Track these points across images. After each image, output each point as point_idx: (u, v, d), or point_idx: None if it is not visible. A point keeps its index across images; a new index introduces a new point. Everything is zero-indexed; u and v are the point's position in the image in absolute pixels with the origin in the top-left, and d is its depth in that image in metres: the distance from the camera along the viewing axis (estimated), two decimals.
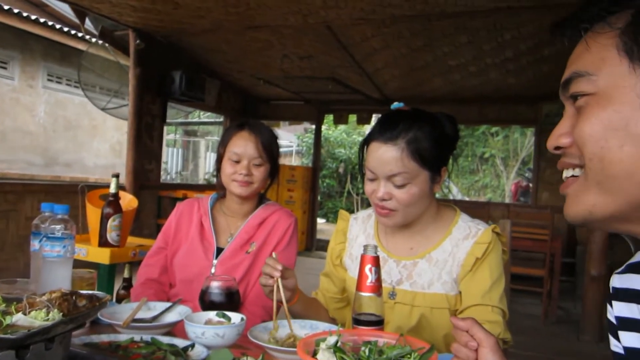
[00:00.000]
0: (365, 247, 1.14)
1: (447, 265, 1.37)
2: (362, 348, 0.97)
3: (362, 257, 1.14)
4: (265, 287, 1.32)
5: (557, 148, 0.74)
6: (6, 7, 7.56)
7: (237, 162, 1.76)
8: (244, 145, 1.76)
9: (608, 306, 0.86)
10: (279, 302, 1.29)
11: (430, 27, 5.38)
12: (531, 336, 4.58)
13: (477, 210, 7.69)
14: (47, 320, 0.88)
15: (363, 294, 1.12)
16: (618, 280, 0.84)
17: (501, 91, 7.37)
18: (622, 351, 0.82)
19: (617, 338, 0.82)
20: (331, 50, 6.17)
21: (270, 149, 1.79)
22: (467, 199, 14.28)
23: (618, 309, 0.82)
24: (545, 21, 4.99)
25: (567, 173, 0.73)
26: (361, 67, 6.66)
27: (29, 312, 0.89)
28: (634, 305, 0.79)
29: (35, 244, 1.44)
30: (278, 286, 1.29)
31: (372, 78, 7.12)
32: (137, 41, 5.80)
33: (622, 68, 0.65)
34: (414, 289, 1.37)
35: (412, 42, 5.84)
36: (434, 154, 1.32)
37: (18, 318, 0.88)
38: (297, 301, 1.36)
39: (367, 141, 1.37)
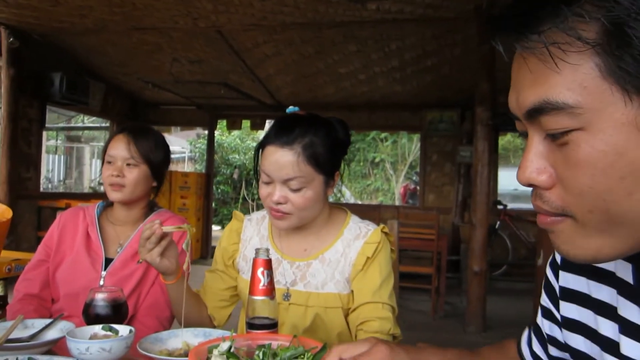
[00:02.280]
0: (257, 250, 1.14)
1: (340, 265, 1.40)
2: (256, 352, 0.97)
3: (254, 260, 1.13)
4: (149, 253, 1.27)
5: (531, 184, 0.61)
6: None
7: (111, 164, 1.70)
8: (116, 147, 1.70)
9: (550, 271, 0.85)
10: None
11: (320, 35, 5.51)
12: (421, 331, 4.81)
13: (369, 212, 7.95)
14: None
15: (256, 297, 1.12)
16: None
17: (389, 98, 7.69)
18: (555, 312, 0.84)
19: (555, 304, 0.83)
20: (223, 55, 6.11)
21: (145, 150, 1.71)
22: (359, 202, 14.73)
23: (565, 280, 0.80)
24: (427, 33, 5.30)
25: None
26: (253, 72, 6.66)
27: None
28: (583, 279, 0.77)
29: None
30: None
31: (264, 84, 7.14)
32: (11, 39, 5.38)
33: (614, 98, 0.53)
34: (308, 289, 1.40)
35: (303, 50, 5.94)
36: (329, 159, 1.35)
37: None
38: (179, 282, 1.33)
39: (262, 145, 1.37)
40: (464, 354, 1.00)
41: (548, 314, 0.87)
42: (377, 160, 15.59)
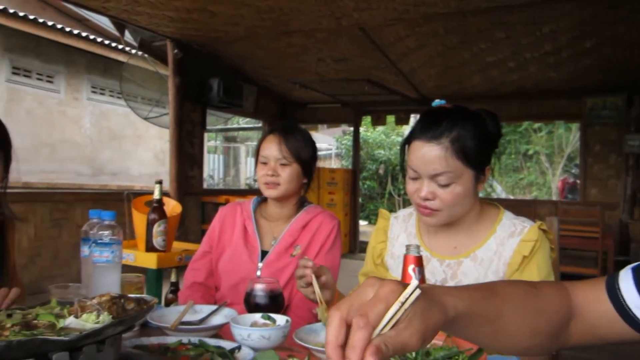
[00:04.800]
0: (408, 247, 1.13)
1: (493, 264, 1.34)
2: None
3: (405, 257, 1.12)
4: (302, 288, 1.34)
5: None
6: (50, 24, 7.86)
7: (265, 164, 1.78)
8: (269, 148, 1.78)
9: None
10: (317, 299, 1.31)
11: (465, 24, 5.30)
12: None
13: (522, 208, 7.49)
14: (98, 322, 0.89)
15: None
16: None
17: (542, 86, 7.20)
18: None
19: None
20: (366, 51, 6.15)
21: (295, 149, 1.77)
22: (511, 197, 13.97)
23: None
24: (585, 12, 4.85)
25: None
26: (397, 67, 6.61)
27: (81, 315, 0.91)
28: None
29: (85, 250, 1.46)
30: (313, 284, 1.30)
31: (408, 78, 7.06)
32: (175, 51, 5.92)
33: None
34: None
35: (447, 40, 5.77)
36: (478, 153, 1.30)
37: (70, 321, 0.90)
38: (337, 301, 1.36)
39: (408, 139, 1.35)
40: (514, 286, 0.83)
41: None
42: (530, 152, 14.68)
